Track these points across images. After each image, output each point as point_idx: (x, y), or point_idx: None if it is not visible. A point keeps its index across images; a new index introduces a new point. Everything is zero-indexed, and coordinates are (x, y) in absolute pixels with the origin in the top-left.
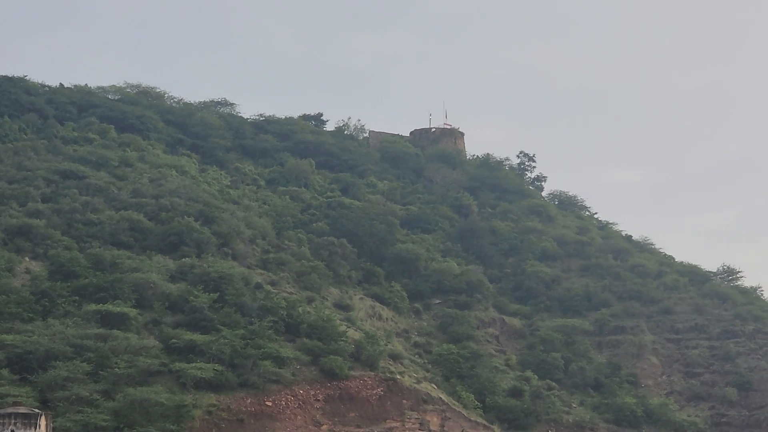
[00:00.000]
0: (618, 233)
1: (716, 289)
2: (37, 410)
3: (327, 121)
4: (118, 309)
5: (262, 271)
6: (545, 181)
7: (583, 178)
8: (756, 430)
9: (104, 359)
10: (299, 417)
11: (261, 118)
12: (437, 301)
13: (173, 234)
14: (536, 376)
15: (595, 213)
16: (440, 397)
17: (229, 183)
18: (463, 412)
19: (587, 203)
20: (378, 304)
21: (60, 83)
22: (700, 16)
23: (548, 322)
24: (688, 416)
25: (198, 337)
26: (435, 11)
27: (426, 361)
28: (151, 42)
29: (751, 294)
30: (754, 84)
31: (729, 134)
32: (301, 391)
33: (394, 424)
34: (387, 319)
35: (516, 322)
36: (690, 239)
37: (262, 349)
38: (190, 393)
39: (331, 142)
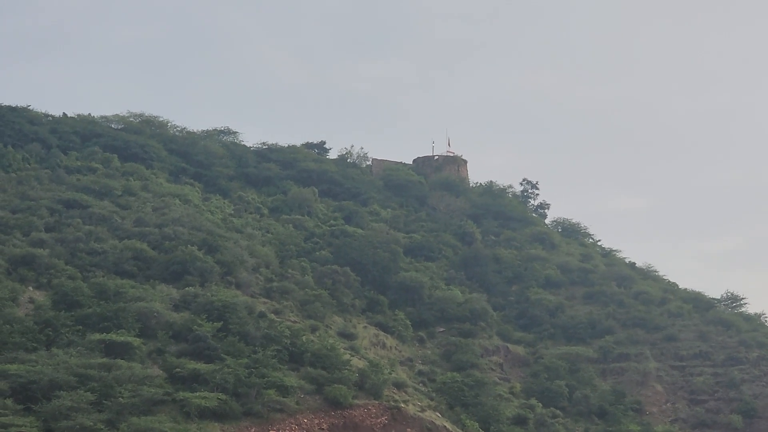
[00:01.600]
0: (621, 260)
1: (720, 316)
2: None
3: (330, 149)
4: (122, 338)
5: (266, 300)
6: (548, 208)
7: (586, 205)
8: None
9: (108, 389)
10: None
11: (264, 147)
12: (441, 330)
13: (177, 263)
14: (540, 404)
15: (599, 240)
16: (444, 426)
17: (232, 211)
18: None
19: (591, 230)
20: (382, 333)
21: (63, 113)
22: (704, 42)
23: (552, 350)
24: None
25: (202, 366)
26: (438, 39)
27: (430, 389)
28: (154, 71)
29: (755, 321)
30: (759, 110)
31: (733, 160)
32: (306, 420)
33: None
34: (391, 347)
35: (520, 350)
36: (693, 266)
37: (266, 378)
38: (194, 422)
39: (334, 170)
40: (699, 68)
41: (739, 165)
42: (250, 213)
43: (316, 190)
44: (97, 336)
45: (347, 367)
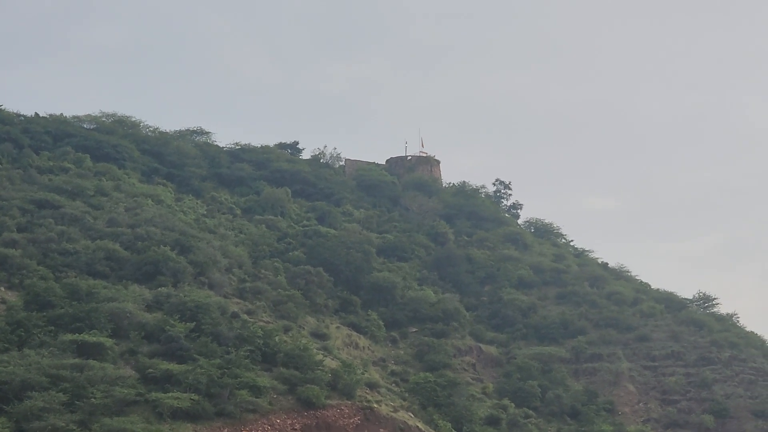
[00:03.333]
0: (594, 261)
1: (692, 316)
2: None
3: (303, 149)
4: (94, 339)
5: (239, 300)
6: (521, 208)
7: (558, 205)
8: None
9: (80, 389)
10: None
11: (237, 147)
12: (414, 330)
13: (149, 263)
14: (513, 404)
15: (571, 240)
16: (417, 426)
17: (205, 212)
18: None
19: (563, 231)
20: (355, 333)
21: (35, 113)
22: (675, 44)
23: (525, 350)
24: None
25: (174, 367)
26: (411, 39)
27: (403, 389)
28: (127, 71)
29: (727, 321)
30: (730, 111)
31: (704, 162)
32: (278, 421)
33: None
34: (364, 347)
35: (493, 350)
36: (666, 266)
37: (239, 379)
38: (166, 423)
39: (307, 170)
40: (673, 69)
41: (713, 166)
42: (223, 213)
43: (289, 191)
44: (69, 336)
45: (320, 367)
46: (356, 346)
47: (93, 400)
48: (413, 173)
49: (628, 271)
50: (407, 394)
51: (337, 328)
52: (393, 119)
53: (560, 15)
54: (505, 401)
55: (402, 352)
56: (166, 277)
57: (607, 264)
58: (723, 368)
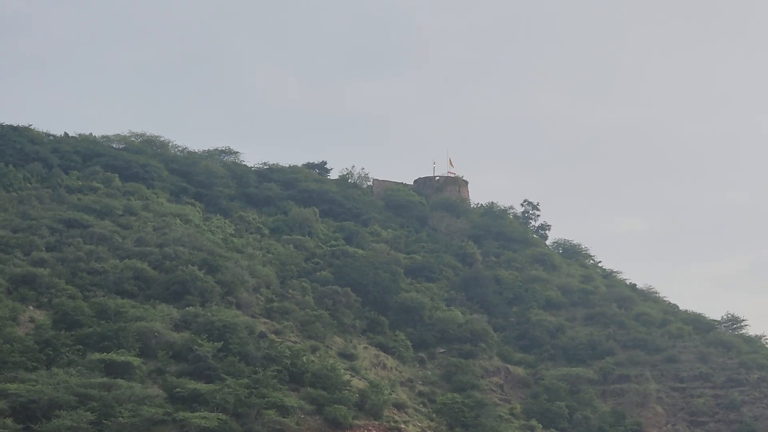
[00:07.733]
0: (622, 282)
1: (721, 338)
2: None
3: (331, 169)
4: (122, 358)
5: (266, 320)
6: (549, 229)
7: (587, 226)
8: None
9: (108, 408)
10: None
11: (265, 167)
12: (441, 350)
13: (177, 283)
14: (541, 425)
15: (600, 261)
16: None
17: (233, 231)
18: None
19: (591, 252)
20: (382, 353)
21: (65, 132)
22: (705, 64)
23: (553, 371)
24: None
25: (202, 386)
26: (439, 60)
27: (430, 410)
28: (156, 91)
29: (755, 342)
30: (760, 133)
31: (734, 183)
32: None
33: None
34: (391, 368)
35: (520, 371)
36: (694, 288)
37: (266, 399)
38: None
39: (334, 190)
40: (702, 91)
41: (742, 187)
42: (251, 233)
43: (317, 211)
44: (97, 355)
45: (347, 387)
46: (384, 367)
47: (121, 419)
48: (441, 194)
49: (656, 293)
50: (435, 415)
51: (365, 348)
52: (421, 140)
53: (588, 37)
54: (533, 422)
55: (430, 373)
56: (193, 297)
57: (635, 285)
58: (751, 390)
